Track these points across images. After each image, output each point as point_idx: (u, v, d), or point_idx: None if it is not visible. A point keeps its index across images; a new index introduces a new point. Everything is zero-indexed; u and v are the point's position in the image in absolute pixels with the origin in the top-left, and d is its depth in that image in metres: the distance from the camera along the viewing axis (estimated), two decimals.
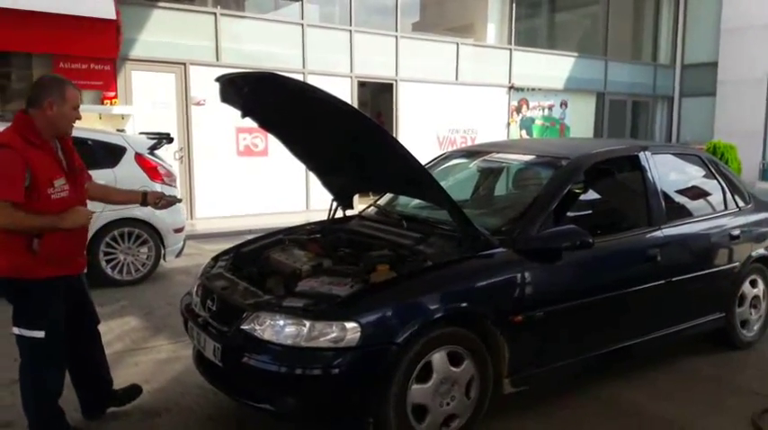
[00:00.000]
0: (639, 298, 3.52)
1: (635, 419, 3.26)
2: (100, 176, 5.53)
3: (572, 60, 14.22)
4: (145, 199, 3.17)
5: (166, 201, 3.23)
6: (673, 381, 3.73)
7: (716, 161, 4.52)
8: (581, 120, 14.55)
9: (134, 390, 3.29)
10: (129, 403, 3.26)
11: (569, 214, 3.49)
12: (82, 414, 3.15)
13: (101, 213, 5.49)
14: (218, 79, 3.20)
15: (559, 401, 3.41)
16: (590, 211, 3.86)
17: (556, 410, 3.32)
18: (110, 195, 3.30)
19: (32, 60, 8.45)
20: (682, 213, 3.98)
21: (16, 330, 2.76)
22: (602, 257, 3.40)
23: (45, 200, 2.66)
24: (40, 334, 2.72)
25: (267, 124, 3.64)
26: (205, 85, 9.35)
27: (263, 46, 10.15)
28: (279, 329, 2.67)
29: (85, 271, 3.08)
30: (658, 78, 16.10)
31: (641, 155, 3.88)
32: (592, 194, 3.99)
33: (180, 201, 3.47)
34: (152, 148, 6.03)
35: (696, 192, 4.26)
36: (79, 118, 2.85)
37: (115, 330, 4.46)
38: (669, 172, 4.12)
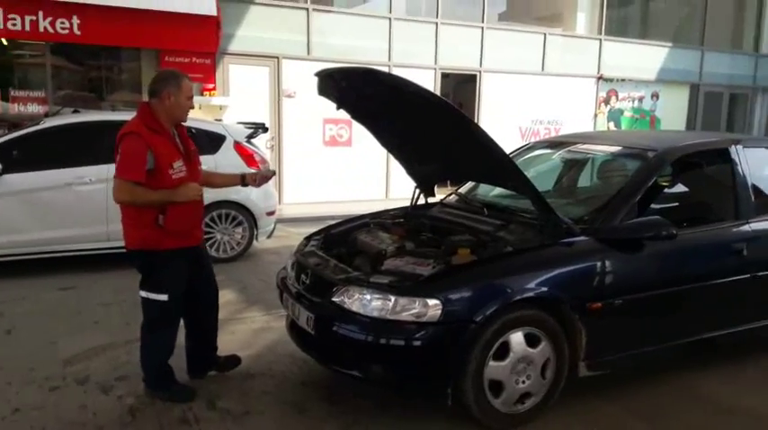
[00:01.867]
0: (723, 291, 3.49)
1: (715, 409, 3.26)
2: (202, 162, 6.01)
3: (665, 50, 13.66)
4: (244, 180, 3.49)
5: (262, 176, 3.53)
6: (756, 377, 3.67)
7: None
8: (673, 113, 13.97)
9: (234, 360, 3.62)
10: (228, 371, 3.58)
11: (654, 206, 3.52)
12: (187, 372, 3.51)
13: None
14: (317, 74, 3.45)
15: (637, 387, 3.45)
16: (675, 203, 3.85)
17: (633, 395, 3.37)
18: (212, 179, 3.63)
19: (141, 54, 9.12)
20: None
21: (143, 293, 3.15)
22: (686, 249, 3.39)
23: (167, 179, 3.03)
24: (164, 297, 3.11)
25: (359, 116, 3.87)
26: (296, 77, 9.79)
27: (352, 40, 10.45)
28: (366, 302, 2.90)
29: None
30: (759, 68, 15.16)
31: (732, 148, 3.80)
32: (678, 187, 3.98)
33: (274, 173, 3.73)
34: (249, 137, 6.45)
35: None
36: (192, 107, 3.19)
37: None
38: (762, 166, 4.01)
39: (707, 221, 3.68)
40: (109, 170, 5.68)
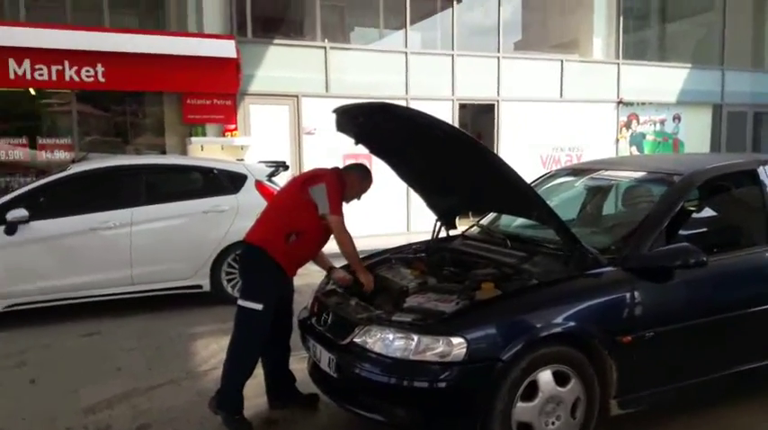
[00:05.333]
0: (760, 319, 3.34)
1: None
2: (224, 202, 6.07)
3: (685, 72, 13.53)
4: (330, 271, 3.76)
5: (340, 281, 3.64)
6: None
7: None
8: (696, 135, 13.76)
9: (314, 398, 3.64)
10: (308, 408, 3.62)
11: (682, 232, 3.42)
12: (267, 403, 3.67)
13: (224, 236, 5.97)
14: (334, 110, 3.46)
15: (672, 426, 3.29)
16: (705, 229, 3.74)
17: None
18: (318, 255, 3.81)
19: (163, 98, 9.32)
20: None
21: (240, 302, 3.34)
22: (718, 276, 3.27)
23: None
24: (259, 306, 3.28)
25: (378, 150, 3.87)
26: (315, 115, 9.88)
27: (369, 75, 10.54)
28: (388, 343, 2.83)
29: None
30: None
31: (760, 169, 3.69)
32: (707, 211, 3.87)
33: (350, 283, 3.72)
34: (270, 176, 6.48)
35: None
36: (359, 198, 3.66)
37: None
38: None
39: (739, 246, 3.56)
40: (132, 214, 5.82)
